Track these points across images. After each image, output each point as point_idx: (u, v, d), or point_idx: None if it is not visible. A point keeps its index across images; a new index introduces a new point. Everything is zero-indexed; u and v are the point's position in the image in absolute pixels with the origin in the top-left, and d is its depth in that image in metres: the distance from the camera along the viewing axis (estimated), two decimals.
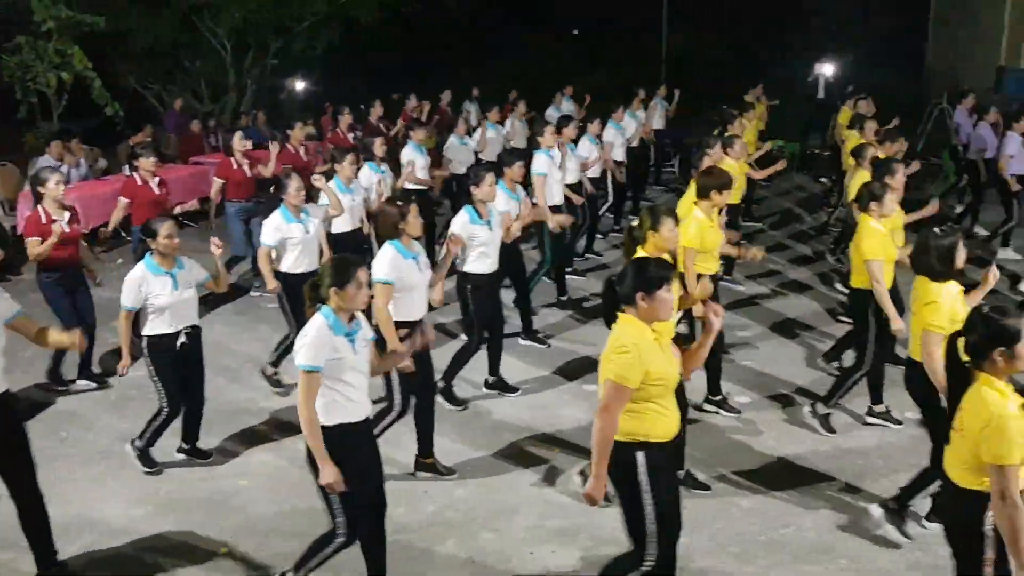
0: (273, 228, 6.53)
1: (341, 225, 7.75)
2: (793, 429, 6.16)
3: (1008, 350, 3.25)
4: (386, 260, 5.25)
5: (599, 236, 10.86)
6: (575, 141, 9.54)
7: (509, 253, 7.12)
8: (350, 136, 12.43)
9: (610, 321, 3.78)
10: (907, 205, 6.88)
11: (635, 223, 5.01)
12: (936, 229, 5.02)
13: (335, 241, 7.53)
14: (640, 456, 3.68)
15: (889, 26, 27.73)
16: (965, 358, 3.39)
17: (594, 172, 10.08)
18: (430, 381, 5.62)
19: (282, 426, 6.20)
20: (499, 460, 5.79)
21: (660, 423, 3.70)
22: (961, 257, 4.66)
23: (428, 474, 5.52)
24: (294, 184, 6.58)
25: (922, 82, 23.76)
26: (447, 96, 15.86)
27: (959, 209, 11.92)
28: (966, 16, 21.85)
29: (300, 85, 21.55)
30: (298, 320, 5.95)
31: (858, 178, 7.43)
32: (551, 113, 14.44)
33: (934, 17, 24.80)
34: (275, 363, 6.85)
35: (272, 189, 7.13)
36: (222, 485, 5.52)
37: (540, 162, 8.29)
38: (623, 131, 11.35)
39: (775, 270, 10.01)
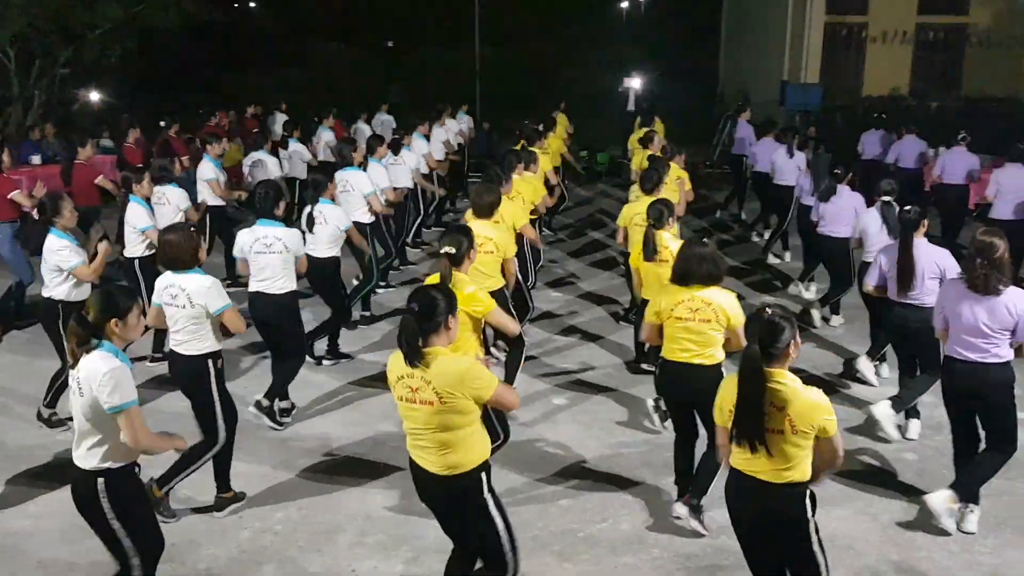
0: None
1: (143, 249, 7.36)
2: (610, 426, 6.39)
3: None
4: (216, 286, 4.99)
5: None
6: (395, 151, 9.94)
7: (323, 269, 7.05)
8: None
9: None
10: (702, 213, 7.32)
11: (450, 247, 4.81)
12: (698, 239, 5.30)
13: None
14: (484, 476, 3.72)
15: (685, 44, 29.51)
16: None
17: (408, 182, 10.13)
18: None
19: (68, 465, 5.75)
20: (319, 479, 5.65)
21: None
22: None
23: (233, 507, 5.27)
24: (67, 206, 6.18)
25: (716, 96, 25.35)
26: (253, 110, 15.45)
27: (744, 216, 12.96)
28: (752, 35, 23.54)
29: (95, 96, 20.29)
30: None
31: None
32: (362, 127, 14.38)
33: (724, 36, 26.57)
34: (50, 403, 6.34)
35: (36, 213, 6.57)
36: (12, 527, 5.08)
37: (376, 176, 8.59)
38: (429, 144, 11.62)
39: (570, 280, 10.42)
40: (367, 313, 8.69)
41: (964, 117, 14.76)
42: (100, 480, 3.72)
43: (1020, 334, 4.69)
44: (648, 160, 8.48)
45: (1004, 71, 18.57)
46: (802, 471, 3.53)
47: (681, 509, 5.00)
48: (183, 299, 4.91)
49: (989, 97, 18.04)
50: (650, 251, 6.10)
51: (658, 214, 6.14)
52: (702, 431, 5.00)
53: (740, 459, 3.61)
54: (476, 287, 4.93)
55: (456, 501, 3.74)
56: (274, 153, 11.43)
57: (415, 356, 3.52)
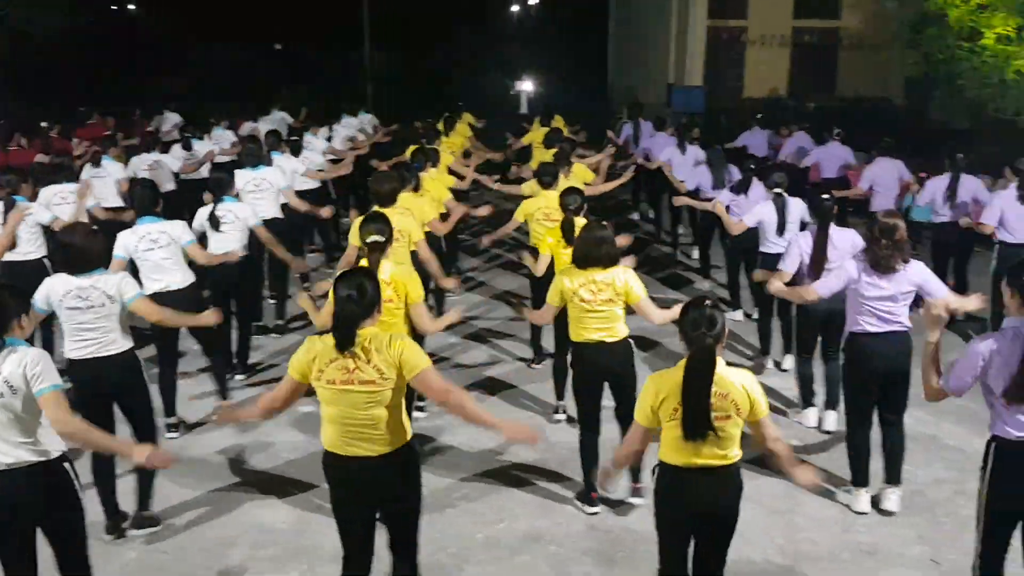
0: None
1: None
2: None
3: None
4: (127, 277, 4.95)
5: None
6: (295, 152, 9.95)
7: (235, 269, 6.86)
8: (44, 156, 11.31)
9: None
10: (605, 213, 7.47)
11: (377, 236, 4.94)
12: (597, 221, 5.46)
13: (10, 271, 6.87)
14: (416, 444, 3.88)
15: (574, 48, 29.97)
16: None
17: (311, 183, 10.02)
18: None
19: None
20: (209, 493, 5.51)
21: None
22: None
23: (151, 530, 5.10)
24: None
25: (607, 99, 25.83)
26: (139, 114, 14.94)
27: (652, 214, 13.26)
28: (638, 39, 24.07)
29: None
30: None
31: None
32: (260, 127, 14.07)
33: (612, 40, 27.09)
34: None
35: None
36: None
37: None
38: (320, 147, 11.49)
39: (479, 280, 10.45)
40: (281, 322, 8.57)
41: (839, 116, 15.45)
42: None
43: (928, 294, 5.03)
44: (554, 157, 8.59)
45: (874, 72, 19.51)
46: (739, 449, 3.67)
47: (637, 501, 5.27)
48: (99, 297, 4.73)
49: (862, 97, 18.96)
50: (570, 237, 6.00)
51: (575, 202, 6.18)
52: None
53: (687, 453, 3.60)
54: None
55: (398, 475, 3.75)
56: (165, 154, 11.07)
57: (350, 341, 3.51)
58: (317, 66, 29.36)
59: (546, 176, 7.39)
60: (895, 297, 5.06)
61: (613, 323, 5.13)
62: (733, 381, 3.59)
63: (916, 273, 5.07)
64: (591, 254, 5.09)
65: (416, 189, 7.63)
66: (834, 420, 6.27)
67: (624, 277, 5.11)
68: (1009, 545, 3.87)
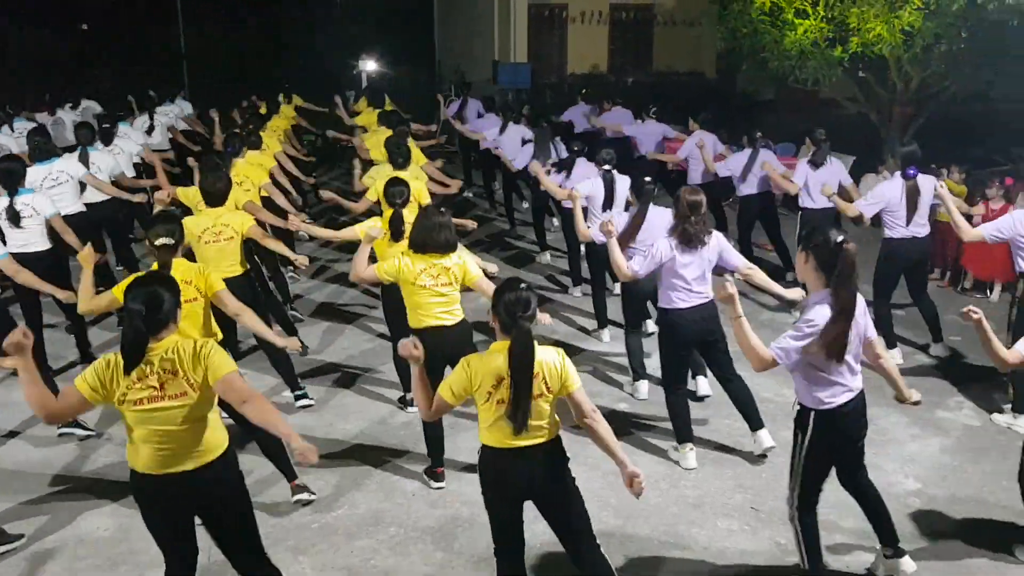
0: None
1: None
2: (343, 412, 6.33)
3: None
4: None
5: None
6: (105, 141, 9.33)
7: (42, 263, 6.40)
8: None
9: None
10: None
11: (167, 239, 4.72)
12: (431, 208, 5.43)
13: None
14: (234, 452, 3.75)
15: (404, 28, 29.60)
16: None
17: (130, 171, 9.47)
18: None
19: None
20: (22, 505, 5.13)
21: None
22: None
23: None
24: None
25: (434, 76, 25.71)
26: None
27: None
28: (464, 17, 24.06)
29: None
30: None
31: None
32: (64, 117, 13.11)
33: (438, 18, 26.94)
34: None
35: None
36: None
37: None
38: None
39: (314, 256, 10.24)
40: None
41: (656, 91, 16.05)
42: None
43: (726, 263, 5.35)
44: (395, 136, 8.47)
45: (687, 48, 20.33)
46: (557, 425, 3.71)
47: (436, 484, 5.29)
48: None
49: (676, 72, 19.75)
50: (399, 233, 5.86)
51: (401, 194, 6.04)
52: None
53: (505, 435, 3.60)
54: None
55: (217, 490, 3.60)
56: None
57: (136, 361, 3.31)
58: (128, 47, 27.61)
59: (399, 157, 7.34)
60: (704, 269, 5.34)
61: (452, 306, 5.16)
62: (544, 359, 3.61)
63: (717, 243, 5.37)
64: (429, 241, 5.06)
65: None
66: (706, 385, 6.41)
67: (460, 259, 5.14)
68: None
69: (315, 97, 15.44)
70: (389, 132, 9.43)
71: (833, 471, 4.19)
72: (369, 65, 19.97)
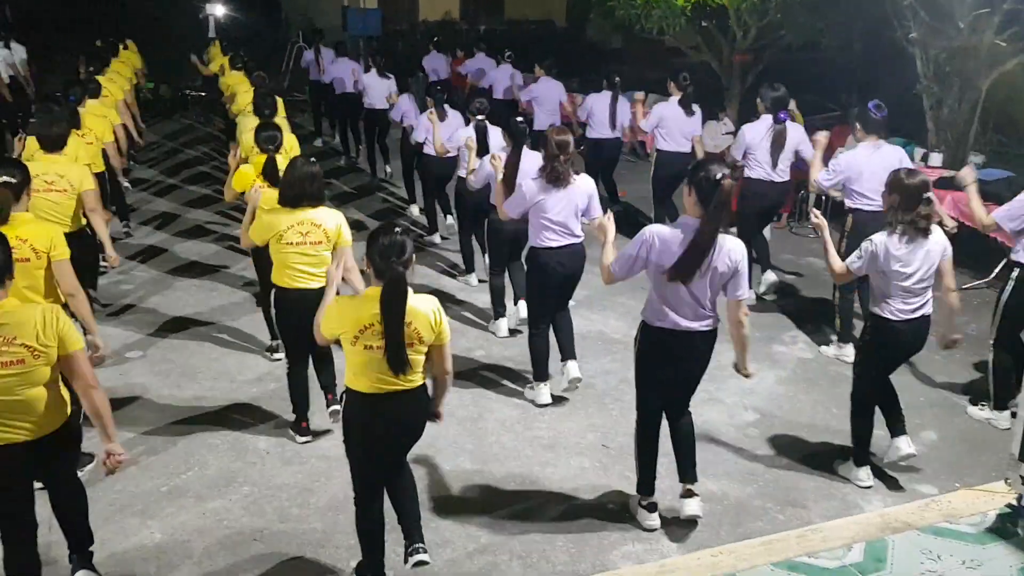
0: None
1: None
2: (190, 371, 6.11)
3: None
4: None
5: None
6: None
7: None
8: None
9: None
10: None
11: (8, 176, 4.34)
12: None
13: None
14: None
15: None
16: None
17: None
18: None
19: None
20: None
21: None
22: None
23: None
24: None
25: (280, 24, 24.76)
26: None
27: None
28: None
29: None
30: None
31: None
32: None
33: None
34: None
35: None
36: None
37: None
38: None
39: (173, 213, 9.79)
40: None
41: (507, 38, 16.00)
42: None
43: (592, 212, 5.41)
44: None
45: None
46: (423, 375, 3.69)
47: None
48: None
49: (528, 20, 19.76)
50: (274, 177, 5.55)
51: (274, 139, 5.78)
52: None
53: (373, 380, 3.57)
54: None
55: (51, 464, 3.44)
56: None
57: None
58: None
59: (266, 108, 7.04)
60: (573, 210, 5.38)
61: (321, 267, 4.88)
62: (419, 308, 3.58)
63: (587, 186, 5.43)
64: (304, 191, 4.81)
65: (75, 127, 6.88)
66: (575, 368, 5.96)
67: (337, 220, 4.92)
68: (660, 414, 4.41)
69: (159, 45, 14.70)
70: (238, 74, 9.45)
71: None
72: (218, 10, 19.02)
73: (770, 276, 7.40)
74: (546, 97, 10.25)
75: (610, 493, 4.78)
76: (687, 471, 4.46)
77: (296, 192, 4.83)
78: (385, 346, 3.49)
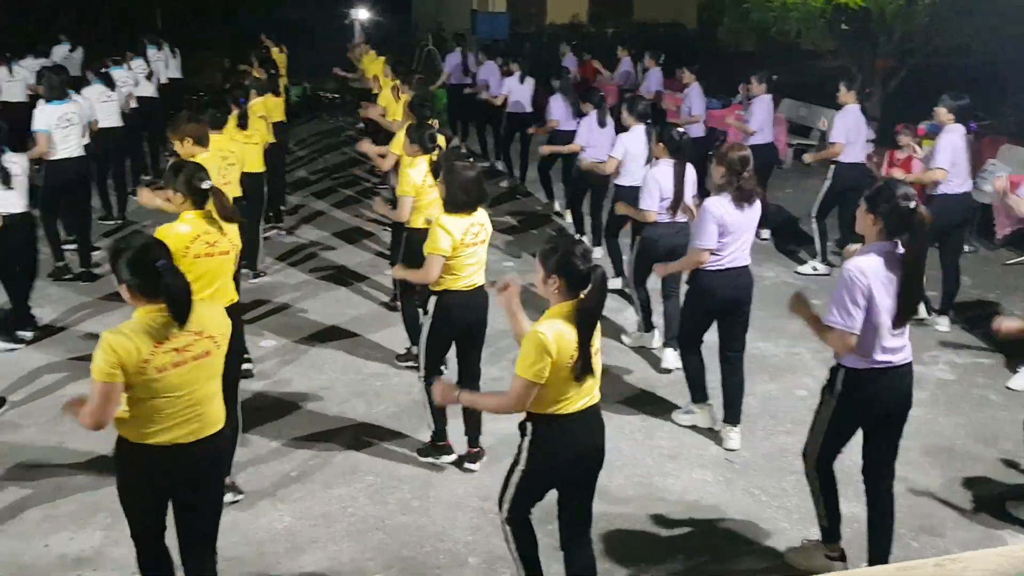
0: None
1: None
2: (329, 369, 6.31)
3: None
4: None
5: None
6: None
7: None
8: None
9: None
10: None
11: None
12: None
13: None
14: None
15: None
16: None
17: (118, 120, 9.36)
18: None
19: None
20: None
21: None
22: None
23: None
24: None
25: (411, 27, 25.32)
26: None
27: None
28: None
29: None
30: None
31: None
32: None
33: None
34: None
35: None
36: None
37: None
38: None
39: (321, 212, 10.12)
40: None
41: (636, 42, 15.85)
42: None
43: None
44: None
45: None
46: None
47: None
48: None
49: (657, 22, 19.53)
50: (432, 146, 5.70)
51: (435, 138, 5.89)
52: None
53: (579, 400, 3.42)
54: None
55: (219, 460, 3.48)
56: None
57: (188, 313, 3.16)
58: None
59: (425, 111, 6.75)
60: (750, 230, 5.08)
61: (482, 266, 4.79)
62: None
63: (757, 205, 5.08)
64: (481, 195, 4.67)
65: (243, 127, 7.41)
66: (673, 357, 6.12)
67: (485, 216, 4.78)
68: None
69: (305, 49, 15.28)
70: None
71: None
72: (362, 14, 19.49)
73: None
74: (699, 103, 9.81)
75: (733, 508, 4.66)
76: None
77: (477, 196, 4.65)
78: (581, 362, 3.31)
